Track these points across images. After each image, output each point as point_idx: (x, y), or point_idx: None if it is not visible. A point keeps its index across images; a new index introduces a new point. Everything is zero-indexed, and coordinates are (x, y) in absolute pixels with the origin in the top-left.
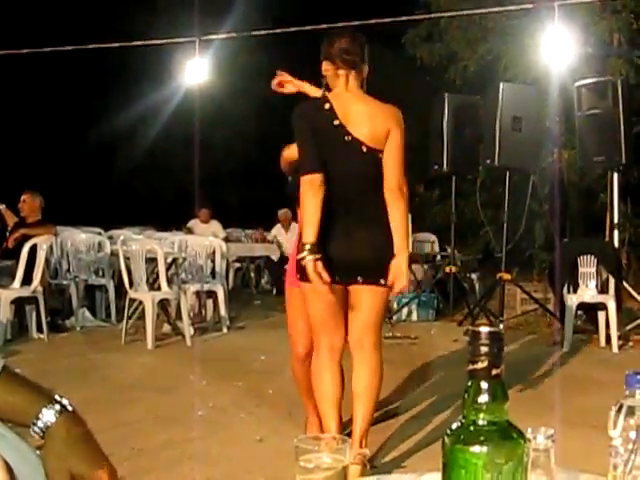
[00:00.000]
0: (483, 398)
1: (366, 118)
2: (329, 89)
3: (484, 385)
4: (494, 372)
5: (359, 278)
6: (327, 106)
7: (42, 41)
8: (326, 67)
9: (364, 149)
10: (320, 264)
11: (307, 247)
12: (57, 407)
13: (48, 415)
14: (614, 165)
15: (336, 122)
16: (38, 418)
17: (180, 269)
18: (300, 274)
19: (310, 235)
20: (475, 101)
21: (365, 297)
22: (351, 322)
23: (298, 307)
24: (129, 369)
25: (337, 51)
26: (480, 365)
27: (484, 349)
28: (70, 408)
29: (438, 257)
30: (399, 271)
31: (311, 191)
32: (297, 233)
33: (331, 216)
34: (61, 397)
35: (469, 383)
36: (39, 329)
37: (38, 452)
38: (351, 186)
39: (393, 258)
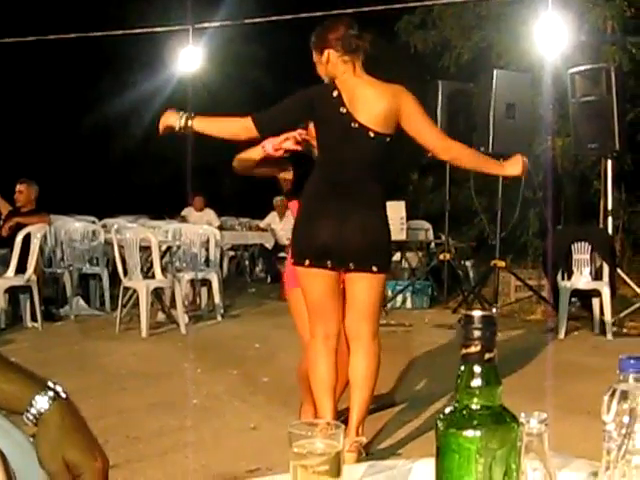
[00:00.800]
0: (476, 382)
1: (375, 102)
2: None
3: (477, 369)
4: (487, 356)
5: (351, 264)
6: (335, 94)
7: (35, 29)
8: (328, 55)
9: (371, 134)
10: (174, 122)
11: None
12: (50, 394)
13: (41, 402)
14: (608, 152)
15: (343, 110)
16: (31, 405)
17: (174, 257)
18: (293, 256)
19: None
20: (469, 88)
21: (359, 285)
22: (347, 311)
23: (303, 308)
24: (123, 357)
25: (345, 37)
26: (473, 349)
27: (477, 333)
28: (64, 395)
29: (432, 245)
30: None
31: (241, 127)
32: (292, 230)
33: (327, 201)
34: (55, 384)
35: (462, 367)
36: (33, 318)
37: (32, 440)
38: (353, 172)
39: (387, 243)
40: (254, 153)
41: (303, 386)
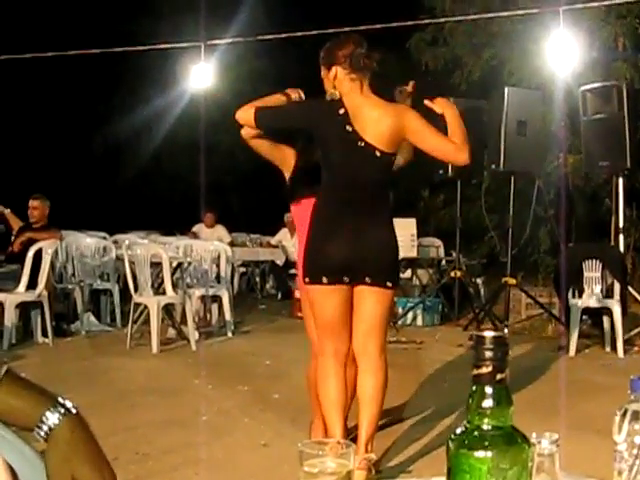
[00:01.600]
0: (487, 403)
1: (380, 122)
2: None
3: (488, 390)
4: (498, 377)
5: (367, 279)
6: (341, 111)
7: (47, 46)
8: (336, 72)
9: (378, 153)
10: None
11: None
12: (61, 409)
13: (52, 418)
14: (619, 170)
15: (349, 128)
16: (42, 421)
17: (185, 273)
18: (305, 277)
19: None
20: (480, 106)
21: (370, 300)
22: (355, 326)
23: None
24: (134, 373)
25: (354, 55)
26: (484, 370)
27: (488, 354)
28: (74, 410)
29: (443, 262)
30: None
31: (245, 115)
32: (299, 241)
33: (342, 217)
34: (64, 399)
35: (473, 388)
36: (44, 333)
37: (43, 456)
38: (363, 189)
39: (398, 260)
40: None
41: (313, 396)
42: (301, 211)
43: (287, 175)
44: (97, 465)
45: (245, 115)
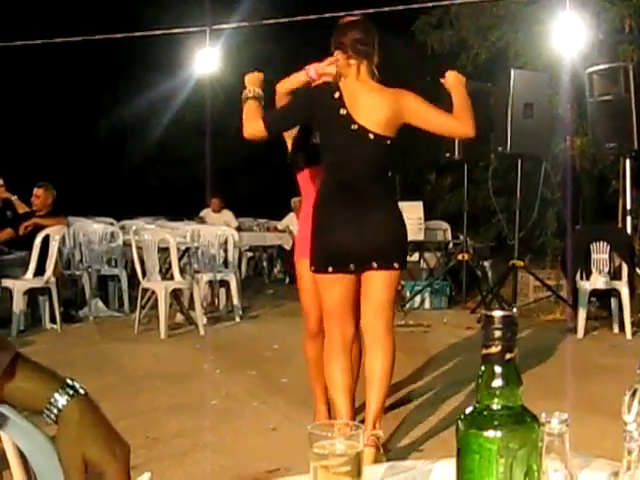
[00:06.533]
0: (497, 382)
1: (376, 106)
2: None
3: (498, 369)
4: (508, 356)
5: (374, 264)
6: (336, 95)
7: (53, 32)
8: (337, 56)
9: (371, 136)
10: (249, 86)
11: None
12: (69, 391)
13: (60, 399)
14: (626, 151)
15: (342, 111)
16: (50, 403)
17: (193, 259)
18: (313, 265)
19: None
20: (486, 88)
21: (377, 280)
22: (363, 306)
23: (308, 280)
24: (142, 359)
25: (350, 41)
26: (494, 349)
27: (498, 333)
28: (82, 392)
29: (451, 245)
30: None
31: (254, 126)
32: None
33: (343, 204)
34: (73, 381)
35: (482, 367)
36: (52, 320)
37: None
38: (361, 173)
39: (405, 240)
40: (298, 78)
41: (312, 372)
42: (306, 179)
43: (289, 142)
44: (108, 443)
45: (255, 126)
